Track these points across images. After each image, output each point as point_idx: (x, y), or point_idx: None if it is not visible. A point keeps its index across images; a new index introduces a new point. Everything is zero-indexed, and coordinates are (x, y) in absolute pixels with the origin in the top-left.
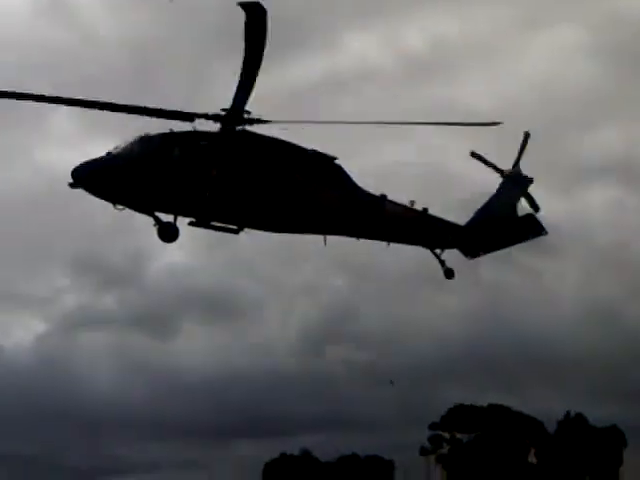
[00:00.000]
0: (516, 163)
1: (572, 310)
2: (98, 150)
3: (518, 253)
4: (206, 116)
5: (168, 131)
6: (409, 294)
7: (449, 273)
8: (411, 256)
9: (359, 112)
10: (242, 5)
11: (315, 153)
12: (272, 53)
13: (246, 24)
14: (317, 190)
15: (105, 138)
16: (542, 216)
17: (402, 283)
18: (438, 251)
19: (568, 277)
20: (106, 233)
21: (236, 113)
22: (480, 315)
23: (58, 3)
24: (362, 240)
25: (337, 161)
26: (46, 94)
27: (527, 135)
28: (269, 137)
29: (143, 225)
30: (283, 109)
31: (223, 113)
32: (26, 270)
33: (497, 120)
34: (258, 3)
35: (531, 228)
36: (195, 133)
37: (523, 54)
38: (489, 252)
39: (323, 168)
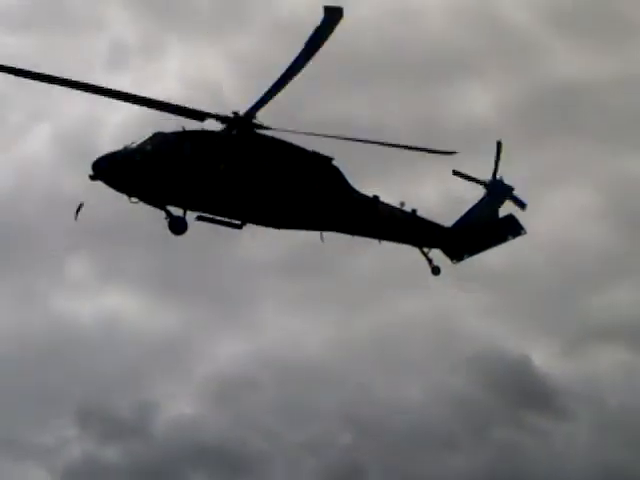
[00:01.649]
0: (494, 173)
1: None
2: (113, 299)
3: (527, 414)
4: (217, 117)
5: (181, 129)
6: (417, 451)
7: (436, 270)
8: (419, 413)
9: None
10: (326, 8)
11: (314, 154)
12: None
13: (319, 28)
14: (315, 188)
15: (119, 285)
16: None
17: (410, 440)
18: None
19: (578, 440)
20: (115, 383)
21: (247, 118)
22: (490, 476)
23: None
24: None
25: (334, 162)
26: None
27: (499, 144)
28: (273, 138)
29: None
30: None
31: (232, 116)
32: (32, 418)
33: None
34: (340, 8)
35: (511, 228)
36: (206, 133)
37: (531, 214)
38: (472, 254)
39: (321, 168)
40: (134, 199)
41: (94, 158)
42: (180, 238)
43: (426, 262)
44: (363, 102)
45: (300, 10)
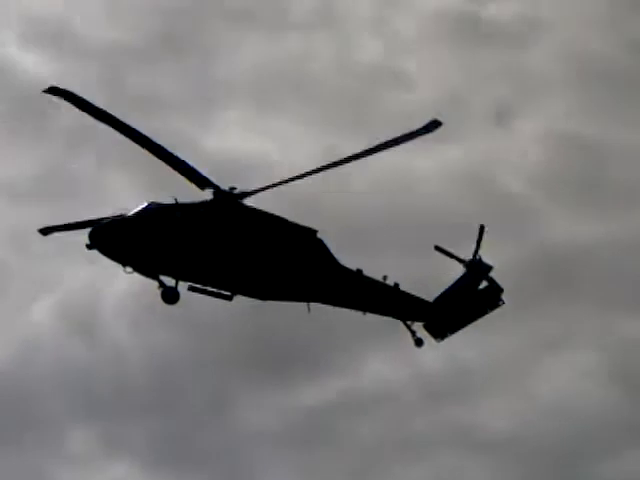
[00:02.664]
0: (475, 253)
1: None
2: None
3: None
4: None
5: (174, 201)
6: None
7: (419, 342)
8: None
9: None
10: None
11: (299, 226)
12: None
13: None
14: (300, 259)
15: (123, 458)
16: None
17: None
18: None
19: None
20: None
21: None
22: None
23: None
24: None
25: (318, 235)
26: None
27: (482, 228)
28: (259, 210)
29: None
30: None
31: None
32: None
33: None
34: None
35: (490, 300)
36: (198, 204)
37: (539, 377)
38: (454, 330)
39: (306, 240)
40: (128, 269)
41: (97, 320)
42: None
43: (409, 335)
44: (362, 263)
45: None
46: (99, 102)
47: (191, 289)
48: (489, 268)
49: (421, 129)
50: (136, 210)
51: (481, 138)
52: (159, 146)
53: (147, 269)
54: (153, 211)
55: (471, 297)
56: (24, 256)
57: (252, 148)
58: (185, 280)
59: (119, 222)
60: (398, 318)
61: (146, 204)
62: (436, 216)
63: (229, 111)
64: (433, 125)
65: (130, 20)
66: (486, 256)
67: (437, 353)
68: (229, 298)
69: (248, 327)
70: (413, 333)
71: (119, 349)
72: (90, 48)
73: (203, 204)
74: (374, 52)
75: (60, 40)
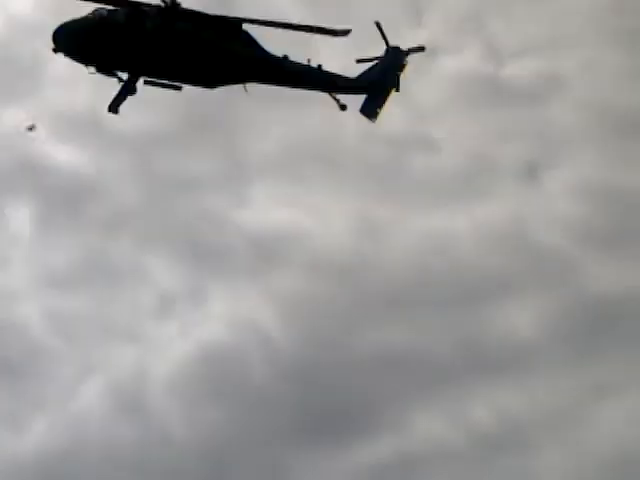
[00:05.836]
0: (387, 44)
1: None
2: None
3: None
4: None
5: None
6: None
7: (343, 107)
8: None
9: None
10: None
11: (225, 18)
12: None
13: None
14: (231, 47)
15: None
16: None
17: None
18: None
19: None
20: None
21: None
22: None
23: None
24: None
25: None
26: None
27: (377, 23)
28: (192, 10)
29: None
30: None
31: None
32: None
33: None
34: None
35: (397, 59)
36: (146, 9)
37: (593, 423)
38: (380, 103)
39: (234, 31)
40: (91, 69)
41: (144, 402)
42: None
43: (334, 102)
44: (401, 328)
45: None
46: (134, 187)
47: (146, 83)
48: (405, 52)
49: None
50: (91, 16)
51: (511, 195)
52: None
53: (105, 66)
54: (102, 14)
55: (386, 73)
56: (70, 339)
57: (286, 220)
58: (140, 75)
59: (80, 25)
60: (323, 90)
61: (93, 10)
62: (473, 273)
63: (261, 185)
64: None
65: (157, 106)
66: (525, 310)
67: (487, 408)
68: (179, 88)
69: (295, 391)
70: (337, 101)
71: (168, 428)
72: (120, 137)
73: (154, 11)
74: (398, 119)
75: (90, 131)
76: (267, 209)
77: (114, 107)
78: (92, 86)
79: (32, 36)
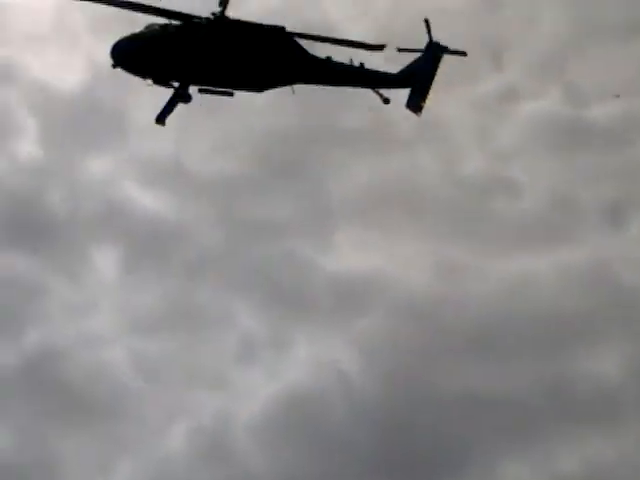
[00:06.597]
0: (430, 38)
1: None
2: None
3: None
4: (199, 18)
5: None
6: None
7: (386, 101)
8: None
9: None
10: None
11: (269, 26)
12: None
13: None
14: (277, 52)
15: None
16: None
17: None
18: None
19: None
20: None
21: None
22: None
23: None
24: None
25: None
26: None
27: (426, 20)
28: (238, 20)
29: None
30: None
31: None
32: None
33: None
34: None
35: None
36: (197, 22)
37: None
38: (422, 94)
39: (277, 36)
40: (149, 81)
41: (228, 446)
42: None
43: (378, 97)
44: (483, 373)
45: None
46: (218, 232)
47: (200, 91)
48: (445, 48)
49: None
50: (145, 31)
51: (595, 238)
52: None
53: (163, 78)
54: (156, 29)
55: (427, 67)
56: (155, 383)
57: (368, 264)
58: (195, 84)
59: (135, 40)
60: (367, 87)
61: (146, 25)
62: (556, 317)
63: (343, 230)
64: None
65: (239, 150)
66: (611, 356)
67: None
68: (230, 94)
69: (377, 435)
70: (380, 95)
71: (251, 472)
72: (204, 182)
73: (203, 24)
74: (479, 162)
75: (174, 177)
76: (349, 253)
77: (162, 118)
78: (175, 132)
79: (117, 85)
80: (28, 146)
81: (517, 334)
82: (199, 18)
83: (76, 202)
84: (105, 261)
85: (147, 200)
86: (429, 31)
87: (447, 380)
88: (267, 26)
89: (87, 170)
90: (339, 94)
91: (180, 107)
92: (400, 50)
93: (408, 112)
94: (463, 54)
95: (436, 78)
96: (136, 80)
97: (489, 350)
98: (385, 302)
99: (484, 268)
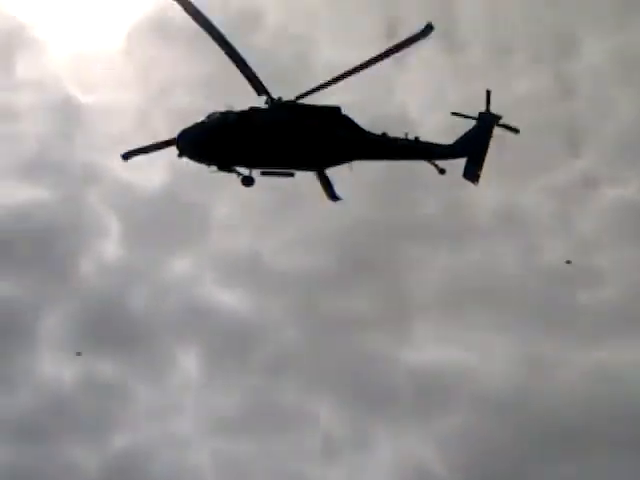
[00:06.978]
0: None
1: None
2: None
3: None
4: (269, 96)
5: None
6: None
7: (442, 171)
8: None
9: None
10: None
11: (326, 107)
12: None
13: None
14: (335, 131)
15: None
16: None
17: None
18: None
19: None
20: None
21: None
22: None
23: None
24: None
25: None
26: None
27: (488, 92)
28: (297, 103)
29: None
30: None
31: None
32: None
33: None
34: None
35: (489, 123)
36: (253, 108)
37: None
38: (479, 165)
39: (333, 117)
40: (213, 167)
41: None
42: None
43: (434, 168)
44: (571, 467)
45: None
46: (297, 329)
47: (263, 174)
48: (498, 117)
49: (417, 35)
50: (207, 120)
51: None
52: (233, 48)
53: (227, 164)
54: (220, 117)
55: (481, 136)
56: None
57: (449, 357)
58: (256, 167)
59: (199, 130)
60: (423, 159)
61: (209, 113)
62: None
63: (423, 323)
64: (428, 29)
65: (317, 246)
66: None
67: None
68: (291, 175)
69: None
70: (436, 166)
71: None
72: (283, 278)
73: (262, 109)
74: (559, 252)
75: (253, 274)
76: (429, 346)
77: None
78: (254, 229)
79: (197, 183)
80: (111, 246)
81: (603, 426)
82: (268, 95)
83: (158, 302)
84: (187, 362)
85: (228, 298)
86: (488, 102)
87: (533, 474)
88: (323, 107)
89: (169, 269)
90: (414, 183)
91: (259, 201)
92: (454, 114)
93: (487, 205)
94: (516, 131)
95: (512, 164)
96: (216, 178)
97: (575, 443)
98: (467, 395)
99: (567, 360)
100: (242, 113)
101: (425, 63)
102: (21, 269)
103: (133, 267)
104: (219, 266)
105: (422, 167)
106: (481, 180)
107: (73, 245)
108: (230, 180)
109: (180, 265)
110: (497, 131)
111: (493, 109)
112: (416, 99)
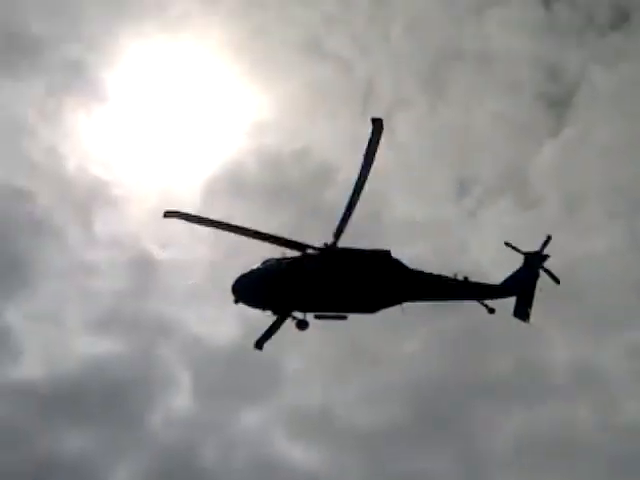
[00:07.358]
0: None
1: None
2: None
3: None
4: (313, 248)
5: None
6: None
7: (492, 311)
8: None
9: None
10: (373, 120)
11: (377, 252)
12: None
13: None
14: (387, 274)
15: None
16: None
17: None
18: None
19: None
20: None
21: (333, 245)
22: None
23: None
24: None
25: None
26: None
27: (549, 237)
28: (347, 249)
29: None
30: None
31: (324, 247)
32: None
33: None
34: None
35: (535, 264)
36: (306, 255)
37: None
38: (527, 304)
39: (383, 260)
40: (268, 312)
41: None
42: None
43: (484, 308)
44: None
45: None
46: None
47: (316, 317)
48: (544, 257)
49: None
50: (262, 267)
51: None
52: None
53: (281, 309)
54: (276, 263)
55: (529, 275)
56: None
57: None
58: (310, 311)
59: (253, 277)
60: (473, 299)
61: (263, 260)
62: None
63: None
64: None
65: (387, 401)
66: None
67: None
68: (344, 318)
69: None
70: (486, 306)
71: None
72: (352, 433)
73: (314, 255)
74: (637, 409)
75: (324, 428)
76: None
77: (261, 344)
78: (324, 382)
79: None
80: (182, 400)
81: None
82: (312, 248)
83: (228, 455)
84: None
85: (297, 452)
86: (544, 245)
87: None
88: (374, 251)
89: (238, 423)
90: (485, 340)
91: (330, 355)
92: (506, 244)
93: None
94: (557, 281)
95: (587, 322)
96: (287, 331)
97: None
98: None
99: None
100: (295, 259)
101: (498, 218)
102: (95, 421)
103: (203, 421)
104: (289, 420)
105: (494, 321)
106: (556, 337)
107: (144, 398)
108: (302, 334)
109: (249, 419)
110: (573, 288)
111: (570, 264)
112: (489, 254)
